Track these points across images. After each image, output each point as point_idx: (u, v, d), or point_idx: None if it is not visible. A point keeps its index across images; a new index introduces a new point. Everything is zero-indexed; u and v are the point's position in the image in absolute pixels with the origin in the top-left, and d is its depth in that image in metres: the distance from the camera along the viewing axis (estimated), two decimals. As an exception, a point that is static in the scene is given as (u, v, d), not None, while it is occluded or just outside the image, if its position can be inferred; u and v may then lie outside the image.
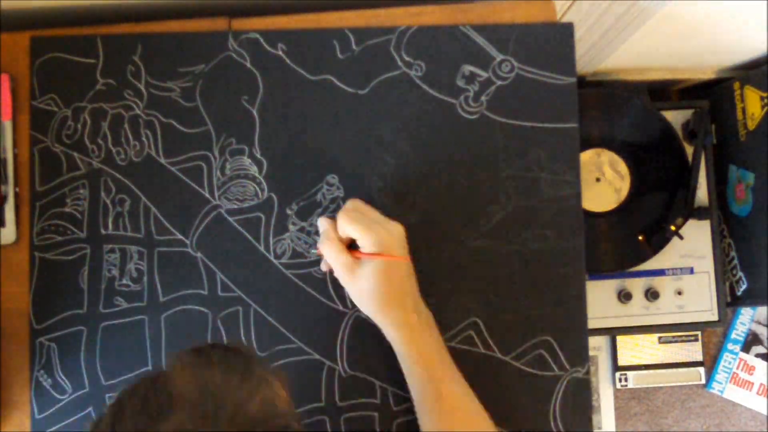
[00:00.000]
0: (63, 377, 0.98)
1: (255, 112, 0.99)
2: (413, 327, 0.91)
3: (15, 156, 0.99)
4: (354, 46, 0.99)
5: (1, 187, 0.98)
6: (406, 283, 0.92)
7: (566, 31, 1.00)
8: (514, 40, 0.99)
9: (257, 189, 0.99)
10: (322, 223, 0.95)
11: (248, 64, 0.99)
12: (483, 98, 0.99)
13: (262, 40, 0.99)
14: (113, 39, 1.00)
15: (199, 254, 0.98)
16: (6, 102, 0.99)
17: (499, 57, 0.99)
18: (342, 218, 0.91)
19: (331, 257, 0.92)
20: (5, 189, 0.98)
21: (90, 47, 0.99)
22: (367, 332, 0.97)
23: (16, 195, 0.99)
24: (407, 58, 0.99)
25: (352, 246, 0.93)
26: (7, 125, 0.99)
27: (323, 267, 0.97)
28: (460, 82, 0.99)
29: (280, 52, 0.99)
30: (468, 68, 0.99)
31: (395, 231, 0.92)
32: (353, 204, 0.94)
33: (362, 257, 0.90)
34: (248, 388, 0.66)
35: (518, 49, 0.99)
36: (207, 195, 0.99)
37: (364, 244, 0.90)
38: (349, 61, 0.99)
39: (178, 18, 1.01)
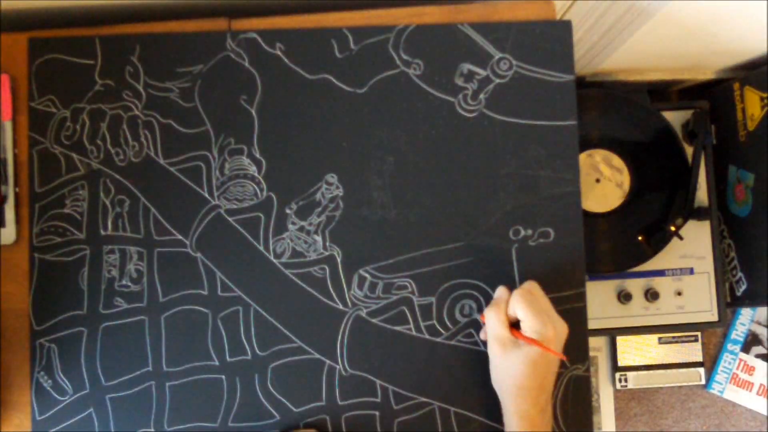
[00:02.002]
0: (63, 378, 0.98)
1: (254, 112, 0.99)
2: (535, 424, 0.90)
3: (15, 156, 0.99)
4: (352, 45, 0.99)
5: (1, 187, 0.98)
6: (548, 380, 0.92)
7: (564, 28, 1.00)
8: (513, 38, 0.99)
9: (256, 189, 0.99)
10: (500, 291, 0.95)
11: (246, 64, 0.99)
12: (482, 96, 0.99)
13: (260, 40, 0.99)
14: (111, 40, 0.99)
15: (198, 254, 0.98)
16: (6, 102, 0.99)
17: (498, 55, 0.99)
18: (517, 297, 0.91)
19: (492, 326, 0.92)
20: (5, 189, 0.98)
21: (88, 48, 0.99)
22: (367, 331, 0.97)
23: (16, 195, 0.99)
24: (406, 57, 0.99)
25: (514, 325, 0.92)
26: (7, 125, 0.99)
27: (482, 335, 0.97)
28: (459, 81, 0.99)
29: (279, 52, 0.99)
30: (466, 66, 0.99)
31: (560, 327, 0.92)
32: (530, 286, 0.93)
33: (521, 339, 0.90)
34: None
35: (517, 47, 0.99)
36: (206, 195, 0.98)
37: (527, 327, 0.90)
38: (347, 60, 0.99)
39: (178, 18, 1.01)
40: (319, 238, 0.98)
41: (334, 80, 0.99)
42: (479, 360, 0.97)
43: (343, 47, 0.99)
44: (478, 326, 0.98)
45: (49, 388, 0.98)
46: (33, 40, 1.00)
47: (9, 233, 0.98)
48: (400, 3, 1.01)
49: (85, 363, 0.98)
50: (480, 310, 0.98)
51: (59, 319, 0.98)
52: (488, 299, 0.98)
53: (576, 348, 0.98)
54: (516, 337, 0.91)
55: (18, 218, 0.99)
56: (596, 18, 1.14)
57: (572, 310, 0.98)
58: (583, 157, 1.40)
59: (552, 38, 1.00)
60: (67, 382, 0.98)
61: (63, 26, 1.01)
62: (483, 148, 0.99)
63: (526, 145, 0.99)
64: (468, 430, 0.97)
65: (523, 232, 0.99)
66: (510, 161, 0.99)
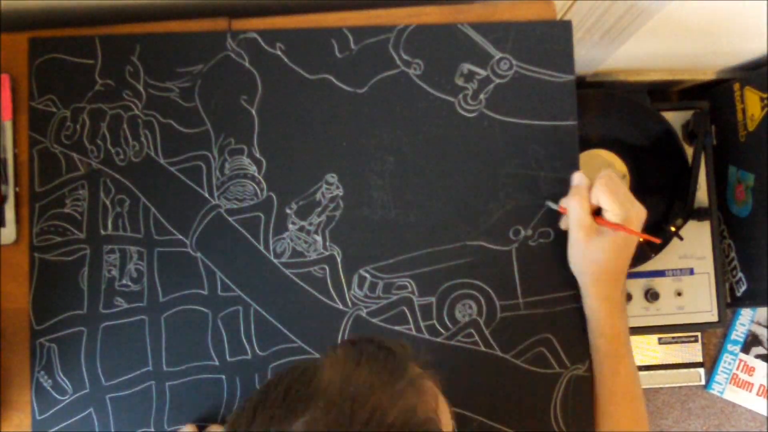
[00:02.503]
0: (63, 378, 0.98)
1: (254, 112, 0.99)
2: (615, 304, 0.95)
3: (15, 156, 0.99)
4: (352, 45, 0.99)
5: (1, 187, 0.98)
6: (627, 262, 0.96)
7: (564, 28, 1.00)
8: (513, 38, 0.99)
9: (256, 188, 0.99)
10: (578, 178, 0.96)
11: (247, 64, 0.99)
12: (482, 96, 0.99)
13: (260, 40, 0.99)
14: (111, 40, 1.00)
15: (198, 254, 0.98)
16: (6, 102, 0.99)
17: (498, 55, 0.99)
18: (600, 185, 0.93)
19: (576, 214, 0.94)
20: (5, 189, 0.98)
21: (88, 48, 0.99)
22: (367, 331, 0.97)
23: (17, 195, 0.99)
24: (406, 57, 0.99)
25: (595, 213, 0.95)
26: (7, 125, 0.99)
27: (563, 225, 0.99)
28: (459, 81, 0.99)
29: (279, 52, 0.99)
30: (467, 66, 0.99)
31: (640, 212, 0.95)
32: (610, 175, 0.95)
33: (606, 225, 0.94)
34: (391, 392, 0.64)
35: (517, 47, 0.99)
36: (206, 195, 0.98)
37: (613, 215, 0.93)
38: (347, 60, 0.99)
39: (179, 18, 1.01)
40: (319, 238, 0.98)
41: (334, 80, 0.99)
42: (479, 360, 0.97)
43: (344, 47, 0.99)
44: (477, 326, 0.98)
45: (49, 388, 0.98)
46: (33, 40, 1.00)
47: (9, 233, 0.98)
48: (400, 3, 1.01)
49: (85, 363, 0.98)
50: (480, 310, 0.98)
51: (59, 319, 0.98)
52: (488, 299, 0.98)
53: (576, 348, 0.98)
54: (600, 224, 0.94)
55: (18, 218, 0.99)
56: (596, 18, 1.14)
57: (572, 310, 0.98)
58: (590, 154, 1.41)
59: (552, 38, 1.00)
60: (67, 381, 0.98)
61: (63, 26, 1.01)
62: (483, 148, 0.99)
63: (526, 145, 0.99)
64: (468, 430, 0.97)
65: (523, 232, 0.99)
66: (510, 161, 0.99)
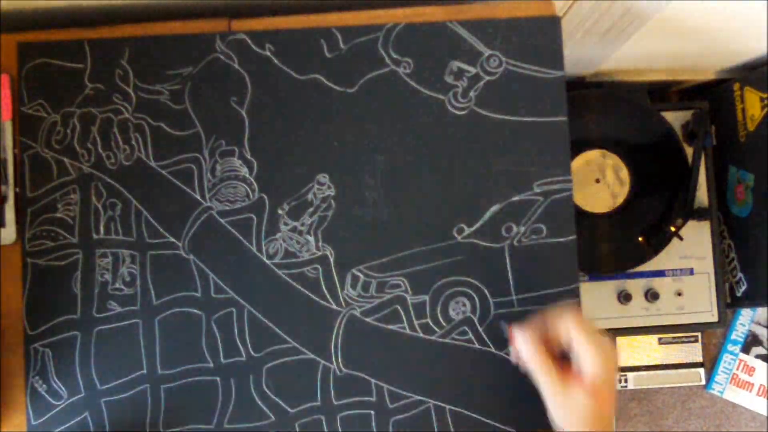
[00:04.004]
0: (58, 383, 0.98)
1: (244, 113, 0.99)
2: None
3: (15, 156, 0.99)
4: (341, 45, 0.99)
5: (1, 187, 0.98)
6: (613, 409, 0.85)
7: (553, 24, 1.00)
8: (502, 34, 0.99)
9: (248, 190, 0.99)
10: (519, 342, 0.89)
11: (236, 65, 0.99)
12: (472, 94, 0.99)
13: (249, 41, 0.99)
14: (101, 43, 1.00)
15: (191, 256, 0.98)
16: (6, 102, 0.99)
17: (487, 52, 0.99)
18: (579, 331, 0.84)
19: (537, 368, 0.86)
20: (5, 189, 0.98)
21: (78, 52, 1.00)
22: (361, 331, 0.97)
23: (17, 195, 0.99)
24: (395, 56, 0.99)
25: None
26: (7, 125, 0.99)
27: (513, 358, 0.94)
28: (449, 79, 0.99)
29: (268, 53, 0.99)
30: (456, 64, 0.99)
31: (614, 356, 0.85)
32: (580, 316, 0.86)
33: (572, 382, 0.84)
34: None
35: (506, 44, 0.99)
36: (198, 197, 0.98)
37: (590, 372, 0.83)
38: (337, 59, 0.99)
39: (177, 19, 1.01)
40: (311, 238, 0.98)
41: (324, 80, 0.99)
42: (474, 357, 0.97)
43: (333, 47, 1.00)
44: (471, 324, 0.98)
45: (44, 393, 0.97)
46: (22, 44, 1.00)
47: (9, 233, 0.98)
48: (400, 3, 1.01)
49: (80, 367, 0.98)
50: (474, 308, 0.98)
51: (53, 324, 0.98)
52: (482, 297, 0.97)
53: (571, 344, 0.98)
54: (566, 377, 0.84)
55: (18, 218, 0.99)
56: (596, 18, 1.14)
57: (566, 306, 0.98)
58: (590, 154, 1.41)
59: (541, 34, 1.00)
60: (61, 386, 0.98)
61: (65, 26, 1.01)
62: (474, 145, 0.99)
63: (517, 141, 0.99)
64: (464, 428, 0.97)
65: (515, 229, 0.98)
66: (501, 158, 0.99)
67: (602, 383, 0.82)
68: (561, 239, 0.98)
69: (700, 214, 1.41)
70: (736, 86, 1.39)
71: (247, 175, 0.99)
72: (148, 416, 0.97)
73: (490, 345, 0.97)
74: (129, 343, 0.98)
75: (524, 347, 0.88)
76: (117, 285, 0.98)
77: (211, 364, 0.97)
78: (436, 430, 0.97)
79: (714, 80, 1.51)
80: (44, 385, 0.98)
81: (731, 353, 1.63)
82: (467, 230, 0.98)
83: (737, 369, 1.62)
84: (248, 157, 0.99)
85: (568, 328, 0.85)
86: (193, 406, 0.97)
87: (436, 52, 1.00)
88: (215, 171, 0.99)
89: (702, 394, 1.64)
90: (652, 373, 1.56)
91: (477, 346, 0.97)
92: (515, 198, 0.99)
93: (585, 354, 0.83)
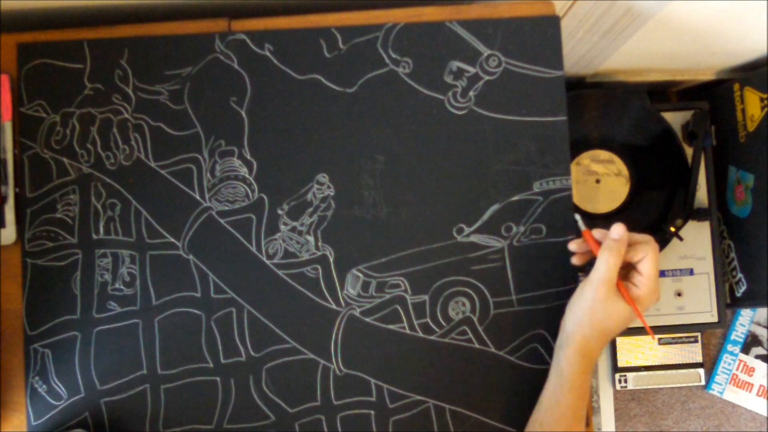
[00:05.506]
0: (58, 383, 0.98)
1: (244, 113, 0.99)
2: (592, 364, 0.92)
3: (15, 156, 0.99)
4: (341, 45, 0.99)
5: (1, 188, 0.98)
6: (616, 334, 0.92)
7: (552, 24, 1.00)
8: (501, 34, 0.99)
9: (247, 190, 0.99)
10: (619, 230, 0.91)
11: (236, 66, 0.99)
12: (471, 93, 0.99)
13: (249, 41, 0.99)
14: (100, 44, 1.00)
15: (191, 256, 0.98)
16: (6, 102, 0.99)
17: (487, 52, 0.99)
18: (653, 250, 0.90)
19: (604, 271, 0.89)
20: (5, 189, 0.98)
21: (77, 53, 1.00)
22: (361, 331, 0.97)
23: (17, 195, 0.99)
24: (394, 56, 0.99)
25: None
26: (7, 125, 0.99)
27: (576, 261, 0.97)
28: (448, 78, 0.99)
29: (267, 53, 0.99)
30: (455, 64, 0.99)
31: (658, 298, 0.93)
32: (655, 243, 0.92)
33: (623, 294, 0.90)
34: None
35: (505, 44, 0.99)
36: (197, 197, 0.98)
37: (644, 290, 0.90)
38: (336, 59, 0.99)
39: (177, 19, 1.01)
40: (311, 238, 0.98)
41: (323, 80, 0.99)
42: (473, 357, 0.97)
43: (332, 47, 0.99)
44: (471, 324, 0.98)
45: (44, 393, 0.98)
46: (21, 45, 1.00)
47: (9, 233, 0.99)
48: (400, 3, 1.01)
49: (80, 367, 0.98)
50: (473, 308, 0.98)
51: (53, 324, 0.98)
52: (481, 296, 0.97)
53: (571, 344, 0.98)
54: (622, 291, 0.90)
55: (18, 219, 0.99)
56: (596, 18, 1.14)
57: (565, 306, 0.97)
58: (590, 154, 1.41)
59: (540, 34, 1.00)
60: (61, 386, 0.98)
61: (65, 26, 1.01)
62: (473, 145, 0.99)
63: (516, 141, 0.99)
64: (463, 428, 0.97)
65: (515, 229, 0.98)
66: (501, 158, 0.99)
67: (635, 316, 0.90)
68: (560, 238, 0.98)
69: (700, 215, 1.41)
70: (736, 86, 1.39)
71: (247, 175, 0.99)
72: (148, 416, 0.97)
73: (490, 344, 0.97)
74: (129, 343, 0.98)
75: (606, 265, 0.89)
76: (117, 285, 0.98)
77: (211, 364, 0.97)
78: (435, 429, 0.96)
79: (714, 80, 1.51)
80: (44, 386, 0.98)
81: (731, 353, 1.63)
82: (467, 230, 0.98)
83: (737, 369, 1.62)
84: (248, 157, 0.99)
85: (648, 256, 0.90)
86: (193, 406, 0.97)
87: (435, 52, 0.99)
88: (215, 171, 0.99)
89: (702, 395, 1.64)
90: (652, 373, 1.56)
91: (476, 345, 0.97)
92: (515, 198, 0.99)
93: (646, 283, 0.90)
